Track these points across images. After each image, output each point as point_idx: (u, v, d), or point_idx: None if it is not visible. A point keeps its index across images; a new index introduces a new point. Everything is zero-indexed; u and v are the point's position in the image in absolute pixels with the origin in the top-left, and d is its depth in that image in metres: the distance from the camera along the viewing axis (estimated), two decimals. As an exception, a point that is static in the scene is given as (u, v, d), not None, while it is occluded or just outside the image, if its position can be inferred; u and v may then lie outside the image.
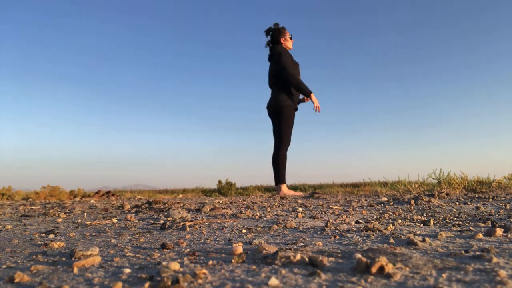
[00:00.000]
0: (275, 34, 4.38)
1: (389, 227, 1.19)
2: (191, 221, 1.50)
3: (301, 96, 4.43)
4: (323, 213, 1.78)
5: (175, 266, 0.68)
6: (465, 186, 3.94)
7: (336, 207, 2.11)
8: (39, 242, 1.07)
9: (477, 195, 2.97)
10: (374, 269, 0.61)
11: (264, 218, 1.59)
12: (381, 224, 1.32)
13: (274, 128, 4.32)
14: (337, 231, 1.17)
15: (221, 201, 2.85)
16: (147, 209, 2.20)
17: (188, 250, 0.90)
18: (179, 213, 1.72)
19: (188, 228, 1.28)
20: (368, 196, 3.36)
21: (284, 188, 4.25)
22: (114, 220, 1.64)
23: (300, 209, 2.00)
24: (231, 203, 2.65)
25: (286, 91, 4.22)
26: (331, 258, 0.75)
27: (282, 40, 4.35)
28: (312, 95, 4.15)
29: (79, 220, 1.66)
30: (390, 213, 1.73)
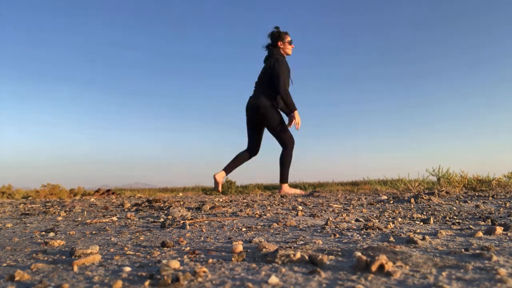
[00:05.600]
0: (273, 36, 4.35)
1: (389, 226, 1.19)
2: (191, 219, 1.50)
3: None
4: (323, 212, 1.78)
5: (175, 264, 0.68)
6: (465, 185, 3.94)
7: (336, 205, 2.11)
8: (39, 241, 1.07)
9: (477, 194, 2.97)
10: (374, 268, 0.61)
11: (264, 217, 1.59)
12: (381, 223, 1.32)
13: (270, 132, 4.30)
14: (337, 229, 1.17)
15: (221, 200, 2.86)
16: (147, 207, 2.20)
17: (188, 248, 0.90)
18: (179, 211, 1.73)
19: (188, 227, 1.28)
20: (368, 195, 3.36)
21: (285, 187, 4.26)
22: (114, 218, 1.64)
23: (300, 207, 2.00)
24: (231, 201, 2.65)
25: (270, 95, 4.15)
26: (331, 257, 0.75)
27: (279, 43, 4.31)
28: (295, 112, 4.12)
29: (79, 219, 1.66)
30: (390, 211, 1.73)
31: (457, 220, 1.33)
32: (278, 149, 4.18)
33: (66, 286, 0.58)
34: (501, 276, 0.58)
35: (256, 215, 1.64)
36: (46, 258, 0.82)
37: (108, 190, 5.97)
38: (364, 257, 0.64)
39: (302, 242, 0.95)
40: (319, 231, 1.15)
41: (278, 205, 2.22)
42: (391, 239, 0.95)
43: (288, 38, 4.37)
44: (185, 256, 0.79)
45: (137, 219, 1.59)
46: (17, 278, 0.63)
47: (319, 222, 1.40)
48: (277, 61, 4.14)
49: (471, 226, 1.15)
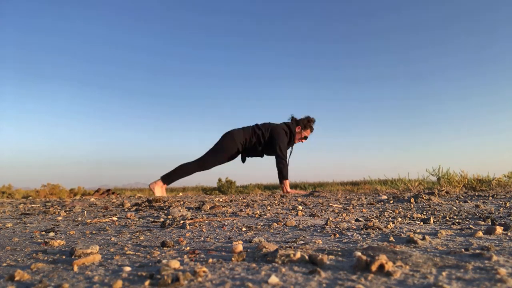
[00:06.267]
0: (299, 120, 4.38)
1: (389, 225, 1.19)
2: (191, 219, 1.50)
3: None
4: (323, 211, 1.78)
5: (175, 264, 0.68)
6: (465, 184, 3.94)
7: (336, 205, 2.11)
8: (39, 240, 1.07)
9: (477, 193, 2.97)
10: (374, 267, 0.61)
11: (264, 216, 1.59)
12: (381, 222, 1.32)
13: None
14: (337, 229, 1.17)
15: (221, 199, 2.86)
16: (147, 207, 2.20)
17: (188, 248, 0.90)
18: (179, 211, 1.73)
19: (188, 226, 1.28)
20: (368, 194, 3.36)
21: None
22: (114, 218, 1.64)
23: (300, 207, 2.00)
24: (231, 201, 2.65)
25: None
26: (331, 256, 0.75)
27: (298, 128, 4.36)
28: (286, 182, 4.18)
29: (79, 218, 1.67)
30: (390, 211, 1.73)
31: (457, 220, 1.33)
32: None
33: (66, 286, 0.58)
34: (501, 276, 0.58)
35: (256, 215, 1.64)
36: (46, 258, 0.82)
37: (108, 190, 5.97)
38: (364, 257, 0.64)
39: (302, 242, 0.95)
40: (319, 231, 1.15)
41: (278, 205, 2.22)
42: (391, 239, 0.95)
43: (306, 134, 4.40)
44: (185, 256, 0.79)
45: (137, 219, 1.59)
46: (17, 278, 0.63)
47: (319, 222, 1.40)
48: (279, 134, 4.18)
49: (471, 226, 1.15)
